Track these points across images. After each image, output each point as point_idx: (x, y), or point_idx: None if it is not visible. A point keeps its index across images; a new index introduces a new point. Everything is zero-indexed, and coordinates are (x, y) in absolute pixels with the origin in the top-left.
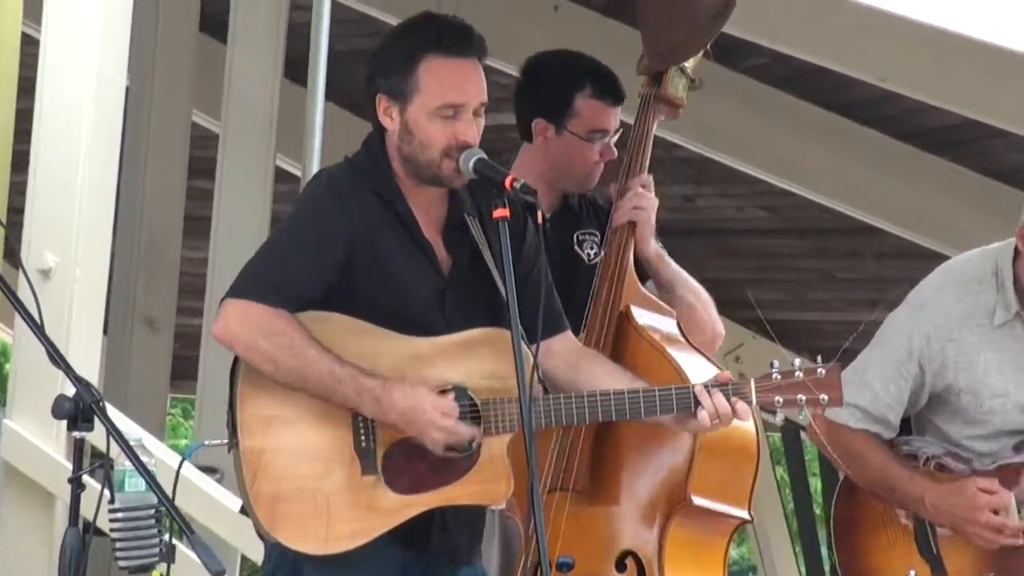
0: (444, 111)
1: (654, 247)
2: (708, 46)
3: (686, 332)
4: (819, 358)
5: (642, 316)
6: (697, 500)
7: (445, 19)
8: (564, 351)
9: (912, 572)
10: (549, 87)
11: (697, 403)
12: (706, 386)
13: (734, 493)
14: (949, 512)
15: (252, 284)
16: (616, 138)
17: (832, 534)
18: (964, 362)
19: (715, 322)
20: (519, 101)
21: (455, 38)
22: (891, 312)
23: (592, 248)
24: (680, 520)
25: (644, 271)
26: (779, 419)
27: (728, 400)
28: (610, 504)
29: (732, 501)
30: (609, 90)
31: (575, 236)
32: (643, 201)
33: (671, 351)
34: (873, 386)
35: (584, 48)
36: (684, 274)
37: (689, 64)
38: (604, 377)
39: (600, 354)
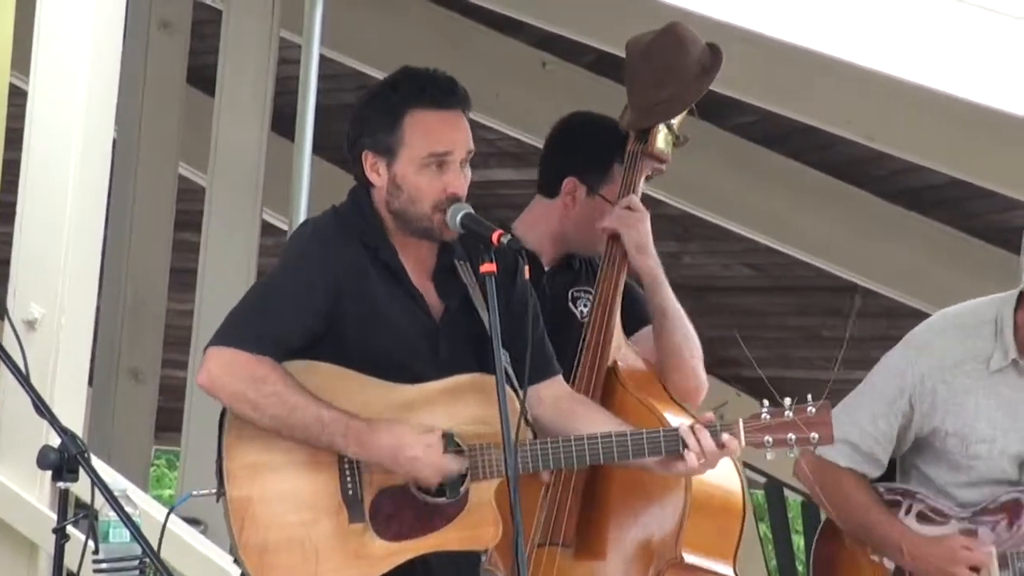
0: (430, 160)
1: (650, 264)
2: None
3: (669, 376)
4: (809, 397)
5: (629, 372)
6: (688, 558)
7: (427, 72)
8: (554, 396)
9: None
10: (591, 149)
11: (684, 444)
12: (691, 427)
13: (721, 550)
14: (926, 563)
15: (236, 331)
16: None
17: (812, 565)
18: (954, 405)
19: (699, 373)
20: (552, 155)
21: (438, 90)
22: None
23: (586, 305)
24: None
25: (630, 322)
26: (769, 457)
27: (714, 438)
28: (599, 559)
29: (719, 558)
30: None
31: (570, 292)
32: (624, 213)
33: (658, 407)
34: (862, 422)
35: (572, 105)
36: (679, 311)
37: (675, 121)
38: (593, 423)
39: (590, 400)
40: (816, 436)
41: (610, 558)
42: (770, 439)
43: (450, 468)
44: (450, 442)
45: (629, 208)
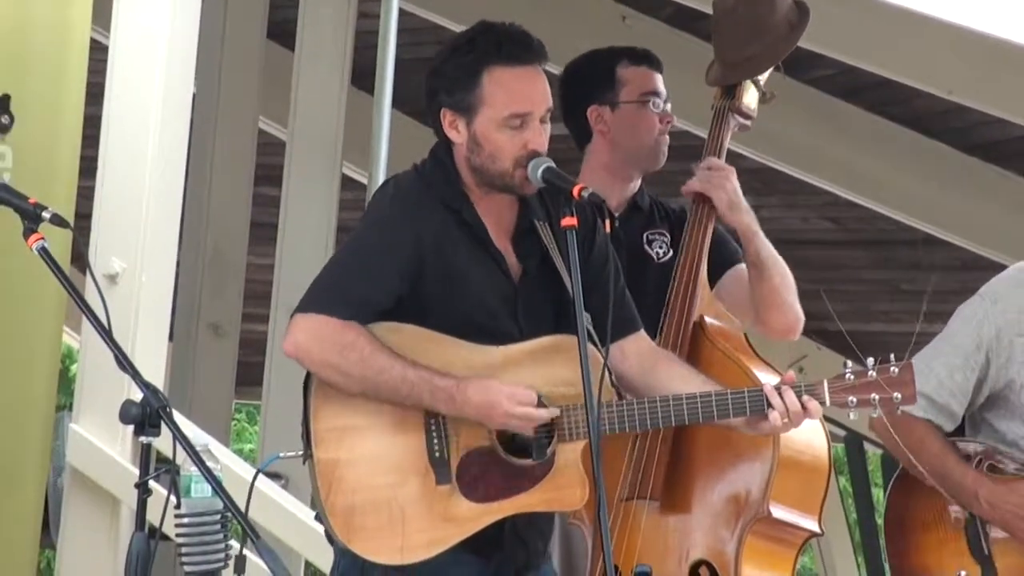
0: (512, 121)
1: (744, 219)
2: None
3: (767, 314)
4: (892, 356)
5: (716, 327)
6: (775, 511)
7: (503, 27)
8: (638, 352)
9: (963, 573)
10: (590, 74)
11: (768, 404)
12: (776, 387)
13: (808, 505)
14: (1002, 510)
15: (321, 297)
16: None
17: (883, 530)
18: None
19: (796, 307)
20: (565, 107)
21: (516, 46)
22: (954, 308)
23: (662, 247)
24: (757, 530)
25: (714, 266)
26: (852, 416)
27: (799, 399)
28: (686, 513)
29: (806, 512)
30: (645, 58)
31: (644, 236)
32: (710, 173)
33: (745, 361)
34: (939, 374)
35: None
36: (775, 254)
37: (762, 77)
38: (678, 379)
39: (674, 355)
40: (899, 396)
41: (697, 512)
42: (854, 399)
43: (542, 417)
44: (537, 403)
45: (711, 168)
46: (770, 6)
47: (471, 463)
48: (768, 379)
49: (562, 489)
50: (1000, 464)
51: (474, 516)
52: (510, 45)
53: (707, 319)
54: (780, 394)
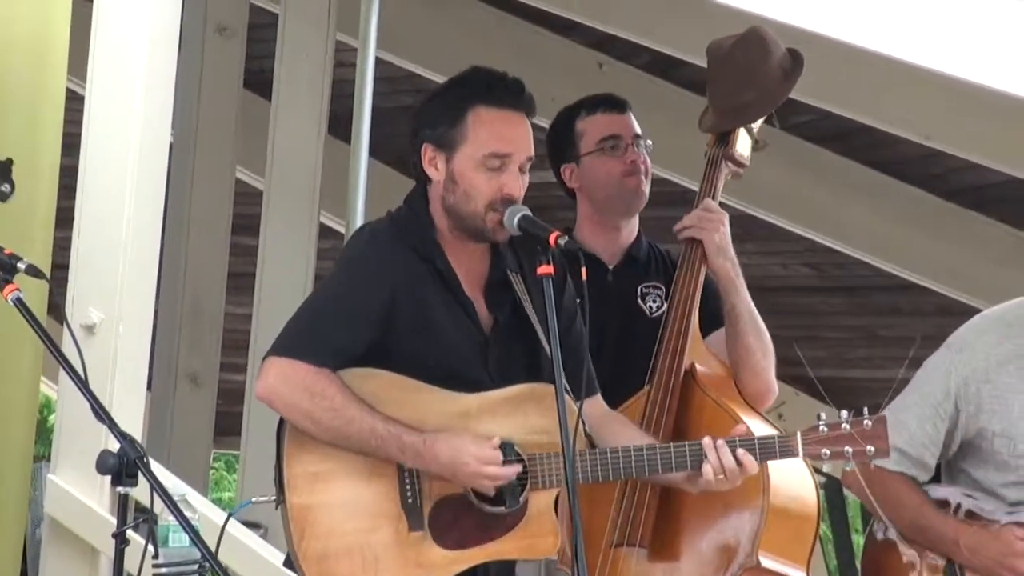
0: (491, 161)
1: (727, 267)
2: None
3: (739, 377)
4: (865, 410)
5: (706, 374)
6: (765, 562)
7: (495, 72)
8: (592, 414)
9: None
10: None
11: (704, 457)
12: (713, 441)
13: (796, 555)
14: (984, 557)
15: (294, 342)
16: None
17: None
18: (1000, 405)
19: (770, 374)
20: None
21: (505, 91)
22: (928, 357)
23: (655, 301)
24: None
25: (708, 319)
26: (825, 468)
27: (734, 455)
28: (674, 561)
29: (794, 562)
30: (601, 103)
31: (639, 288)
32: (704, 215)
33: (736, 410)
34: (910, 426)
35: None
36: (754, 312)
37: (755, 125)
38: (624, 439)
39: (626, 419)
40: (872, 449)
41: (685, 560)
42: (827, 451)
43: (508, 476)
44: (509, 451)
45: (706, 210)
46: (764, 54)
47: (443, 510)
48: (758, 427)
49: (535, 537)
50: (977, 511)
51: (446, 563)
52: (499, 88)
53: (698, 366)
54: (716, 449)
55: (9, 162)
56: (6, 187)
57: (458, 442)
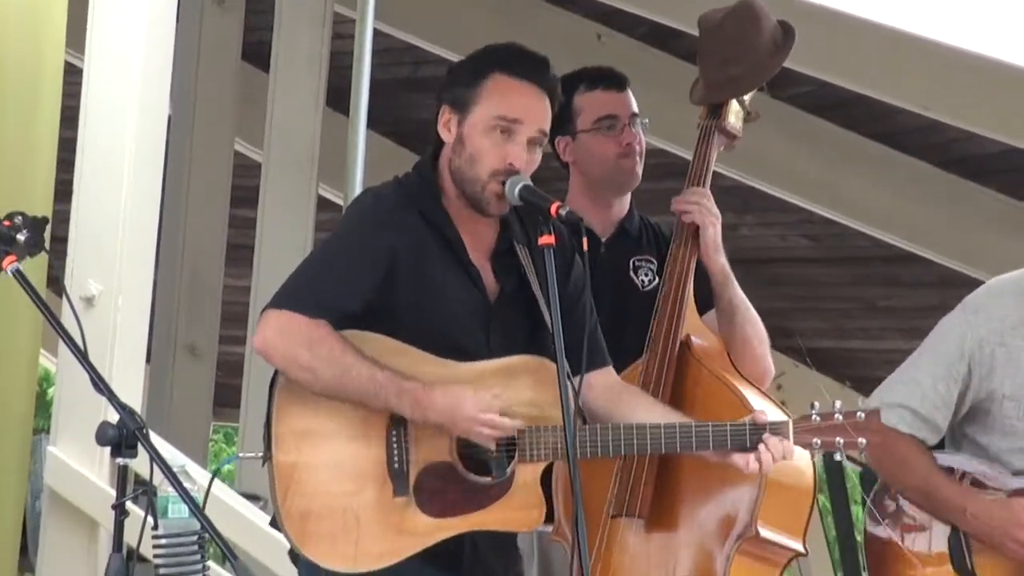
0: (499, 124)
1: (721, 262)
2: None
3: (737, 364)
4: (859, 401)
5: (702, 346)
6: (763, 532)
7: (524, 48)
8: (605, 384)
9: None
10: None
11: (742, 442)
12: (750, 427)
13: (793, 526)
14: (990, 526)
15: (292, 295)
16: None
17: (865, 552)
18: (1012, 368)
19: (767, 359)
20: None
21: (528, 63)
22: (927, 325)
23: (647, 275)
24: (745, 549)
25: (704, 297)
26: (816, 458)
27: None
28: (673, 531)
29: (791, 533)
30: (601, 78)
31: (631, 262)
32: (707, 205)
33: (733, 382)
34: (923, 385)
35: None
36: (747, 303)
37: (747, 97)
38: (642, 412)
39: (638, 389)
40: (864, 442)
41: (684, 530)
42: (818, 441)
43: (506, 427)
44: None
45: (709, 201)
46: (756, 26)
47: (429, 477)
48: (752, 398)
49: (519, 509)
50: (982, 479)
51: (429, 530)
52: (523, 59)
53: (693, 338)
54: (764, 442)
55: (44, 220)
56: (34, 248)
57: (457, 389)
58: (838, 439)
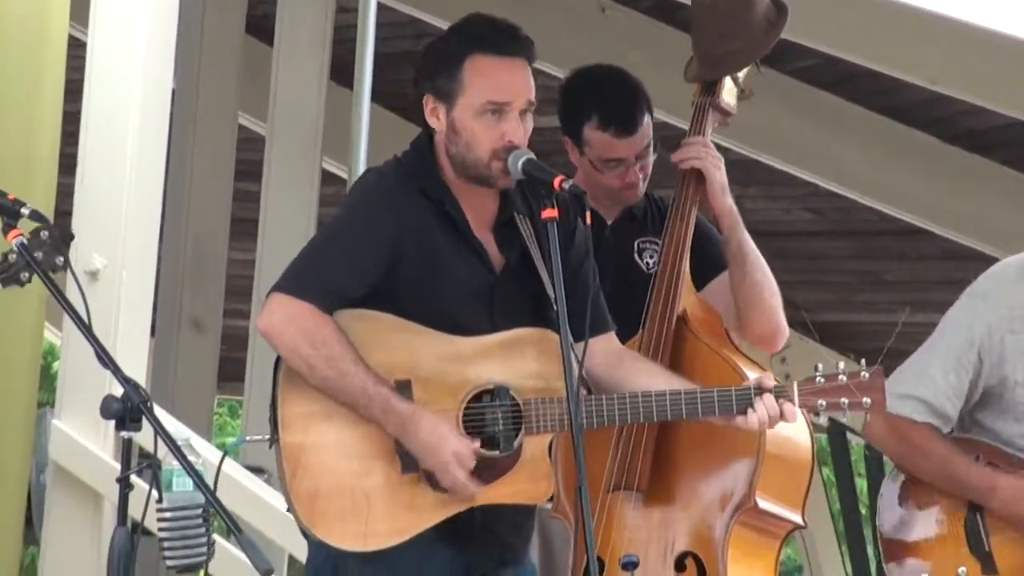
0: (489, 109)
1: (729, 204)
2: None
3: (748, 315)
4: (863, 361)
5: (699, 319)
6: (761, 503)
7: (491, 19)
8: (606, 351)
9: (962, 570)
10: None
11: (746, 406)
12: (756, 391)
13: (791, 499)
14: (1018, 505)
15: (300, 280)
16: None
17: (876, 531)
18: (1023, 354)
19: (779, 315)
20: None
21: (501, 37)
22: (951, 306)
23: (652, 257)
24: (743, 520)
25: (703, 268)
26: (823, 420)
27: (776, 403)
28: (671, 504)
29: (790, 505)
30: (613, 121)
31: (635, 244)
32: (707, 149)
33: (730, 355)
34: (934, 377)
35: (630, 51)
36: (757, 251)
37: (741, 74)
38: (644, 376)
39: (641, 355)
40: (869, 401)
41: (682, 503)
42: (823, 403)
43: (467, 491)
44: (505, 395)
45: (707, 147)
46: (749, 3)
47: None
48: (750, 372)
49: (527, 482)
50: (997, 461)
51: (438, 506)
52: (494, 35)
53: (690, 312)
54: (762, 399)
55: (70, 236)
56: (59, 259)
57: (444, 429)
58: (843, 399)
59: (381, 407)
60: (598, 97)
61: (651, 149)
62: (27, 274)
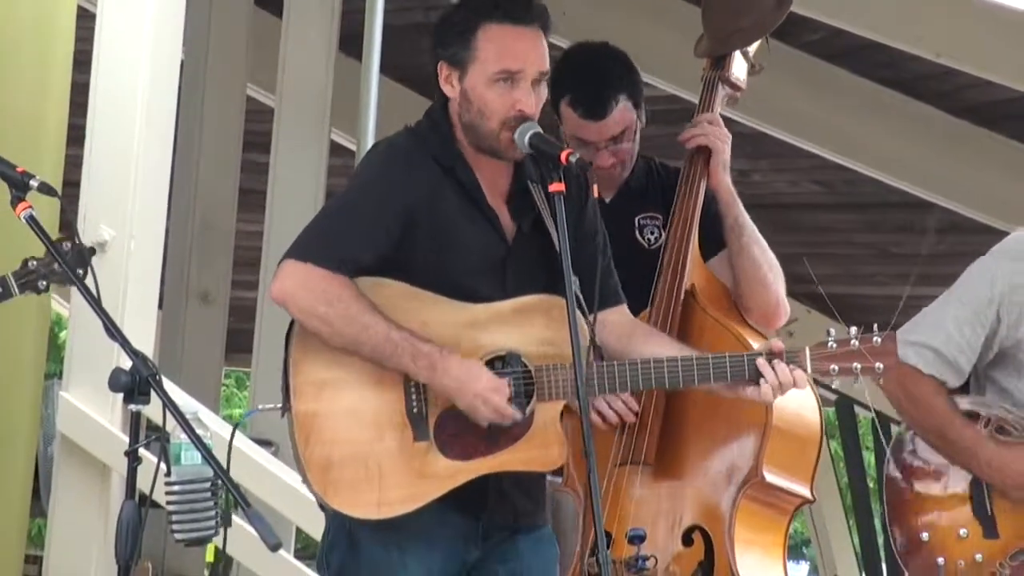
0: (501, 77)
1: (727, 181)
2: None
3: (749, 292)
4: (875, 327)
5: (707, 292)
6: (769, 477)
7: None
8: (618, 323)
9: (963, 531)
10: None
11: (757, 372)
12: (767, 357)
13: (800, 473)
14: (1002, 474)
15: (312, 247)
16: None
17: (883, 491)
18: None
19: (779, 289)
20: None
21: (515, 6)
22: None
23: (653, 232)
24: (751, 494)
25: (711, 242)
26: (834, 387)
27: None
28: (679, 478)
29: (798, 479)
30: (582, 103)
31: (636, 220)
32: (715, 127)
33: (738, 329)
34: (948, 327)
35: (642, 22)
36: (754, 226)
37: (751, 49)
38: (655, 346)
39: (652, 327)
40: (881, 366)
41: (690, 477)
42: (836, 367)
43: (508, 416)
44: (516, 361)
45: (711, 123)
46: None
47: (449, 420)
48: (757, 345)
49: (540, 448)
50: (1007, 427)
51: (451, 473)
52: (509, 4)
53: (698, 286)
54: (771, 365)
55: (91, 251)
56: (80, 271)
57: (474, 364)
58: (855, 364)
59: (409, 352)
60: (575, 76)
61: (630, 135)
62: (45, 283)
